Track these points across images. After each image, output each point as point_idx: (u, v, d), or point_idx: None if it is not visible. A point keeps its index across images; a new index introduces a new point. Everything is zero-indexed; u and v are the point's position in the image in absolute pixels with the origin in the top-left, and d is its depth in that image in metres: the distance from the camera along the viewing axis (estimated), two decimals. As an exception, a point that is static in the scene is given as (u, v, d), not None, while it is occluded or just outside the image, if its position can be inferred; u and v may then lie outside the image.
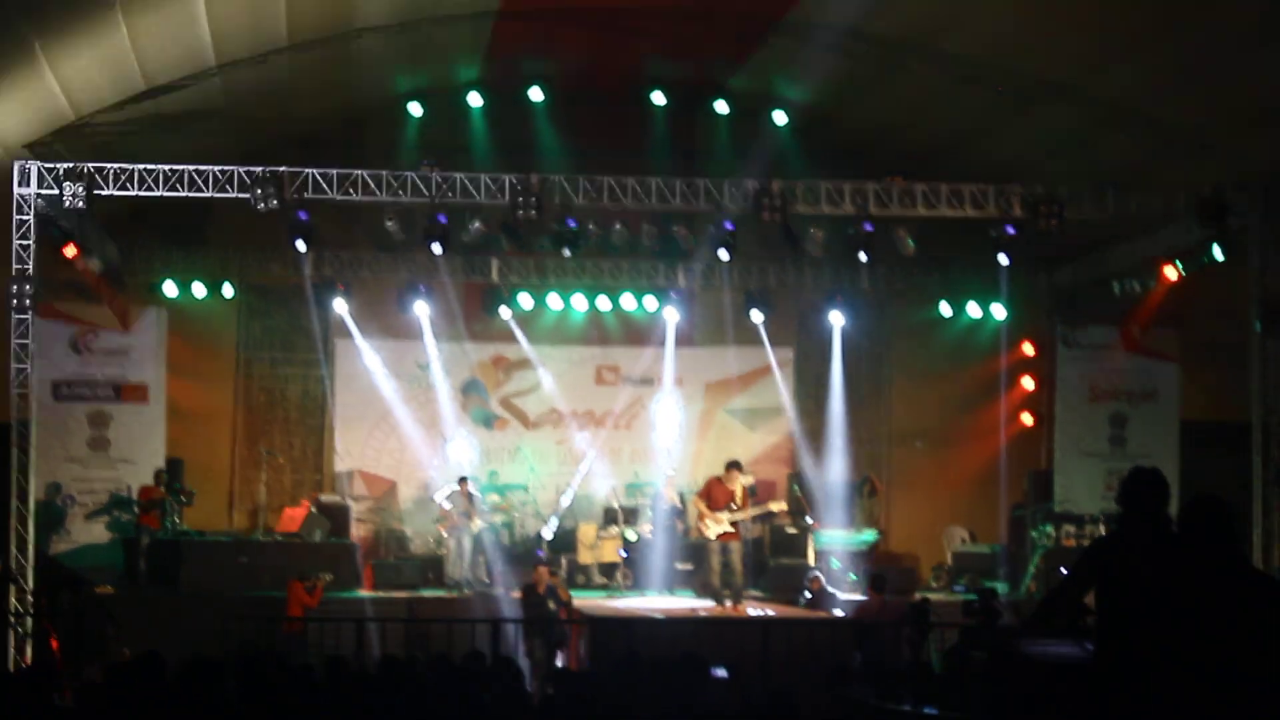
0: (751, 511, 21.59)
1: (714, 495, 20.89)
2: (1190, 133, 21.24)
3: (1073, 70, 20.82)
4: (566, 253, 23.72)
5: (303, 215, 21.74)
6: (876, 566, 23.63)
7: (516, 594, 21.74)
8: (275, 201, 21.12)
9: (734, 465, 21.32)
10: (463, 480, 24.80)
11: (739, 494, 20.87)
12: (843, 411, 27.62)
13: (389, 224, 23.39)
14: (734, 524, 20.76)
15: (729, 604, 20.73)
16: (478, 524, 24.54)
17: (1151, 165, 22.09)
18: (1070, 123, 22.10)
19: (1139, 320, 25.79)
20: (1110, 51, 19.89)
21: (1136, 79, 20.26)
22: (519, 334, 27.18)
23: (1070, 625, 9.01)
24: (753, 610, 21.10)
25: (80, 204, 20.89)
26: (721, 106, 25.64)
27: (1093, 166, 22.65)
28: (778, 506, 22.96)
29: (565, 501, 26.39)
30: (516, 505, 25.96)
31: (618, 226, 23.79)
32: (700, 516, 21.08)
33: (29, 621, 19.74)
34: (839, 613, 21.29)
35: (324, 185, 21.72)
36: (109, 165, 21.21)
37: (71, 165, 20.92)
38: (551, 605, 20.11)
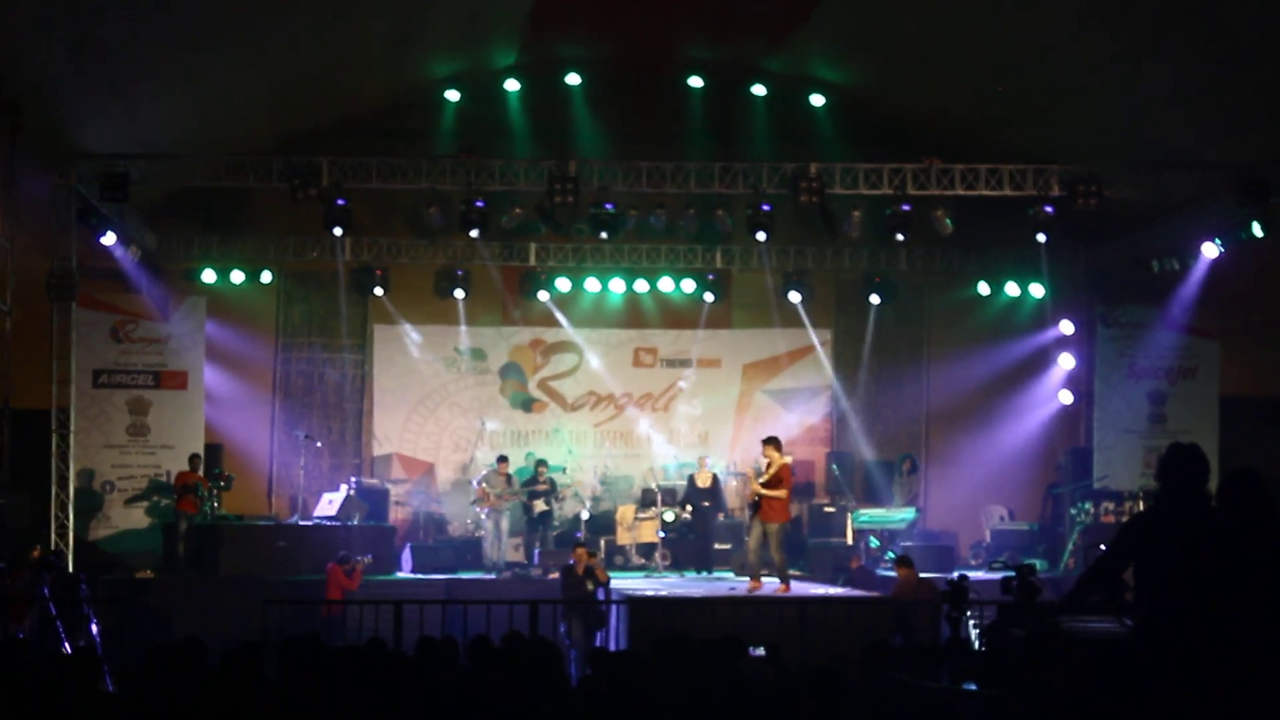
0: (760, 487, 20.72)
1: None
2: (1230, 112, 21.12)
3: (1113, 52, 20.69)
4: (604, 236, 23.72)
5: (341, 202, 21.84)
6: (909, 546, 23.61)
7: (555, 575, 21.81)
8: (313, 192, 21.23)
9: (768, 441, 20.59)
10: (502, 460, 24.86)
11: (765, 469, 20.26)
12: (881, 391, 27.72)
13: (430, 211, 23.46)
14: (759, 498, 20.08)
15: (772, 581, 20.19)
16: (541, 505, 24.62)
17: (1191, 145, 21.98)
18: (1110, 104, 21.98)
19: (1178, 298, 25.66)
20: (1152, 34, 19.77)
21: (1178, 61, 20.13)
22: (559, 316, 27.23)
23: (1109, 601, 9.00)
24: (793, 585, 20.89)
25: (119, 193, 21.01)
26: (759, 89, 25.57)
27: (1133, 147, 22.53)
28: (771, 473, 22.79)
29: (600, 483, 26.55)
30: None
31: (657, 210, 23.85)
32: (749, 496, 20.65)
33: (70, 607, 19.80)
34: (877, 592, 21.22)
35: (362, 172, 21.81)
36: (147, 153, 21.33)
37: (110, 154, 21.03)
38: (590, 586, 20.14)
